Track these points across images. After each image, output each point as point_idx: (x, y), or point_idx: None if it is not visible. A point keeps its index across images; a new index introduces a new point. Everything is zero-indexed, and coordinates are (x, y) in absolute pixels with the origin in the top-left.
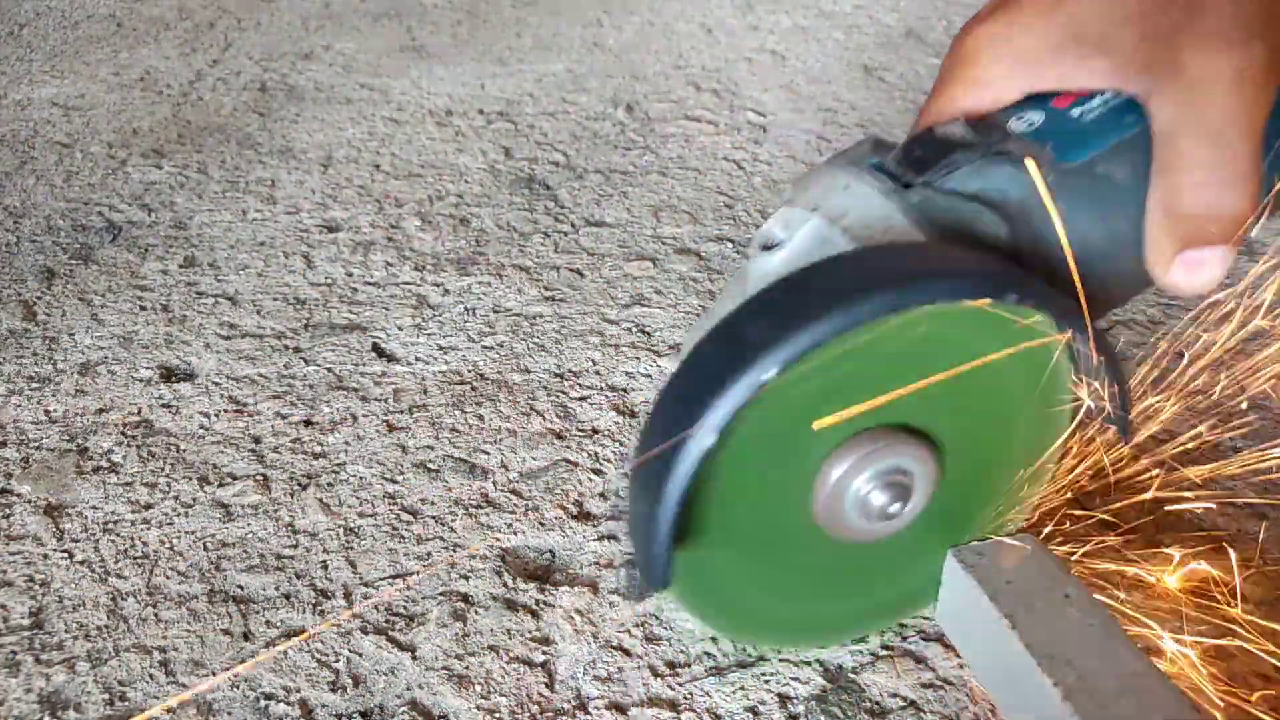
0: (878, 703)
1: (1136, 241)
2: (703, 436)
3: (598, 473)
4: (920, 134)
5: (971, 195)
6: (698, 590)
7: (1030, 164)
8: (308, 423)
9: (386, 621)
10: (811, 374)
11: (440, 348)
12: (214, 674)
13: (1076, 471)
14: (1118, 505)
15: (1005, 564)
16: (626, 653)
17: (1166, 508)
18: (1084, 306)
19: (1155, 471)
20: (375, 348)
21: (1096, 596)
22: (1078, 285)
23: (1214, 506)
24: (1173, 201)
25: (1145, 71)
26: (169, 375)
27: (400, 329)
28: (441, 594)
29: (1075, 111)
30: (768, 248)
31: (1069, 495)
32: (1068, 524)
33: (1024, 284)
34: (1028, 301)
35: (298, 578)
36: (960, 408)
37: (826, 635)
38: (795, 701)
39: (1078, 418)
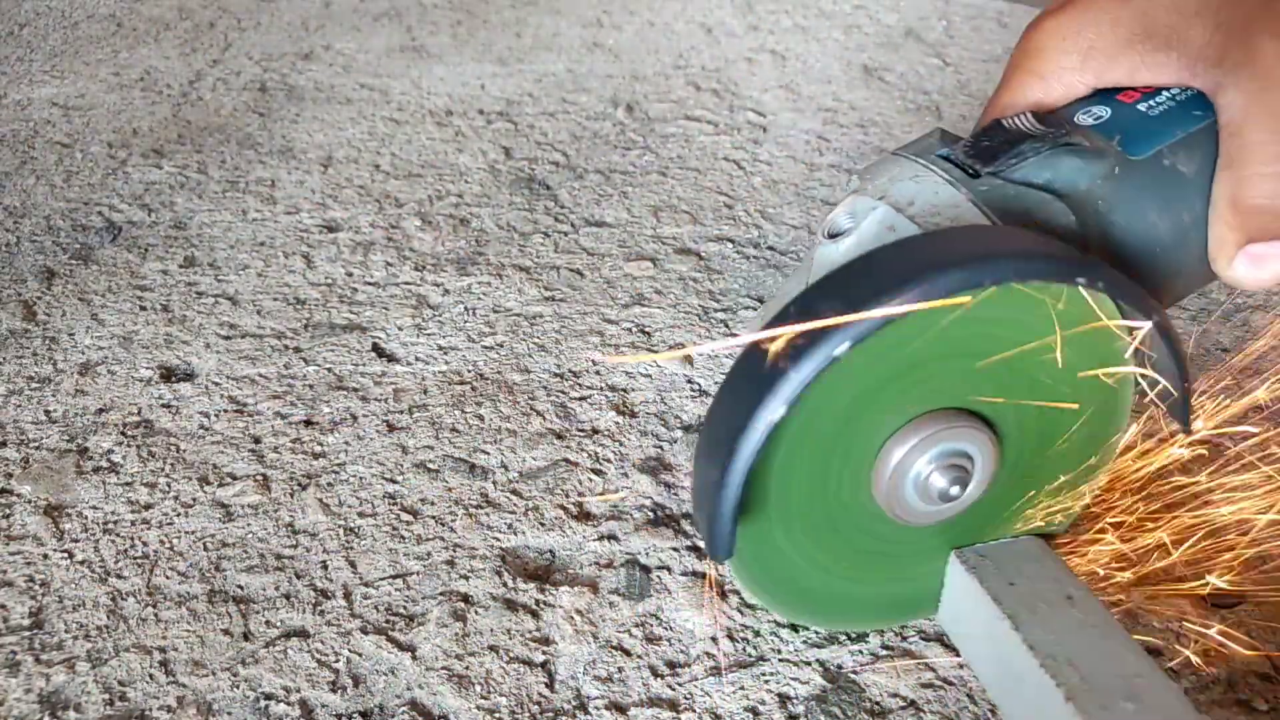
0: (878, 703)
1: (1201, 235)
2: (772, 408)
3: (598, 473)
4: (988, 126)
5: (1040, 185)
6: (753, 564)
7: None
8: (308, 423)
9: (386, 621)
10: (879, 352)
11: (440, 348)
12: (213, 673)
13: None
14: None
15: (1008, 565)
16: (626, 653)
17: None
18: (1149, 295)
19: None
20: (375, 348)
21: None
22: (1143, 275)
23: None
24: (1238, 194)
25: (1215, 64)
26: (169, 375)
27: (400, 329)
28: (441, 594)
29: (1142, 106)
30: (834, 236)
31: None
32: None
33: (1093, 268)
34: (1096, 285)
35: (298, 578)
36: (1023, 395)
37: (875, 619)
38: (795, 701)
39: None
